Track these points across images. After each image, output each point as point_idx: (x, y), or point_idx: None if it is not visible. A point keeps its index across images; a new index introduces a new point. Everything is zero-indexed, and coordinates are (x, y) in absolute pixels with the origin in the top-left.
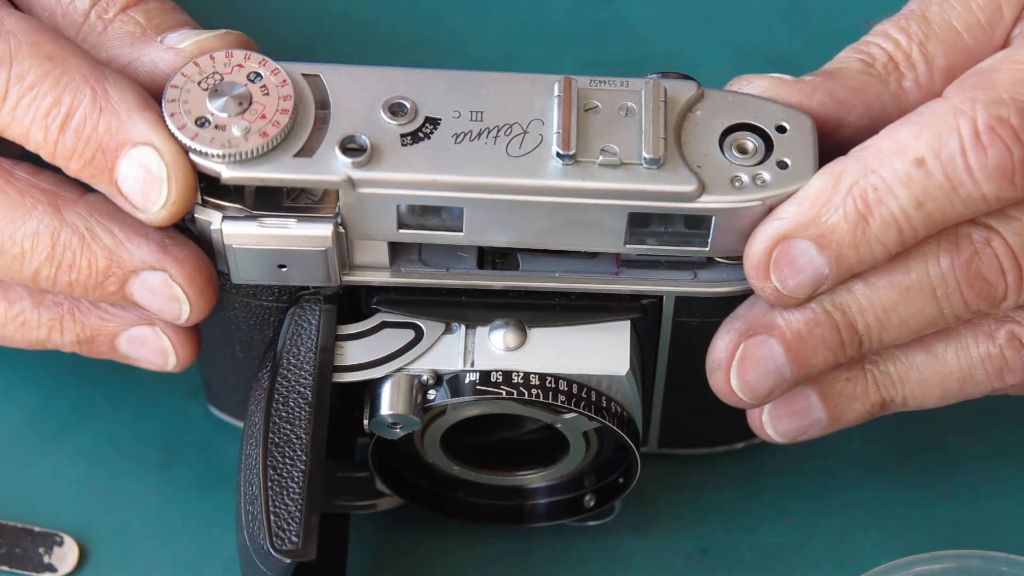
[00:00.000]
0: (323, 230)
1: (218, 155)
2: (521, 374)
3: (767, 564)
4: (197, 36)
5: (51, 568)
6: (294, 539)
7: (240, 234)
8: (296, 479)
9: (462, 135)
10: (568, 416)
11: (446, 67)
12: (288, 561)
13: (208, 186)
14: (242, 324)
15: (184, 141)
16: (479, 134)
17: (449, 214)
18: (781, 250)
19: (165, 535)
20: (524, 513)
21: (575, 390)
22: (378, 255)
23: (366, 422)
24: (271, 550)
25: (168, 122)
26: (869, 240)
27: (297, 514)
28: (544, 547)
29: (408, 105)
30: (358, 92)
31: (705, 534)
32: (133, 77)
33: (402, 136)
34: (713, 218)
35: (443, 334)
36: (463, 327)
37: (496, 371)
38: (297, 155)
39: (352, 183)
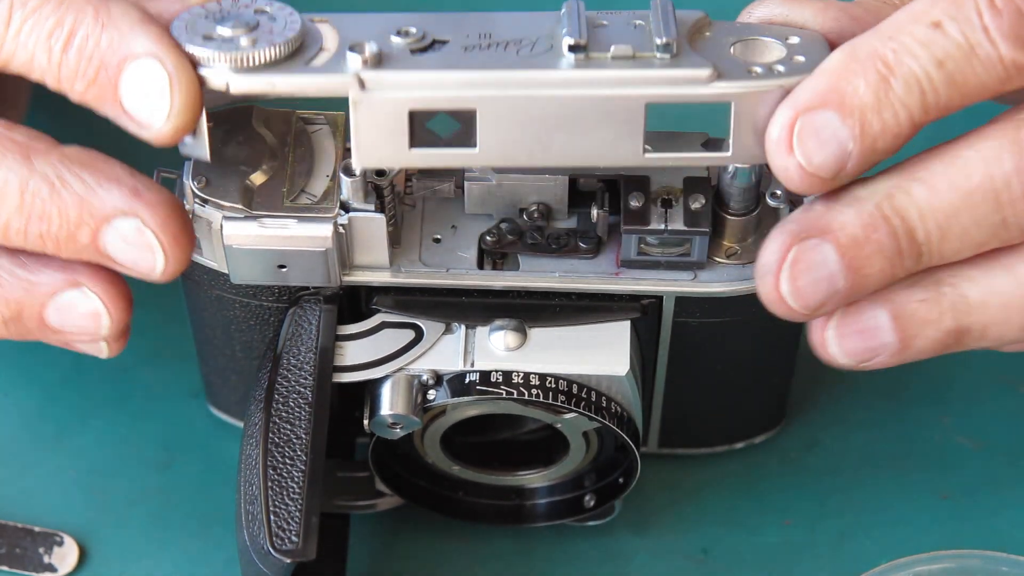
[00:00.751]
0: (323, 230)
1: (226, 60)
2: (521, 374)
3: (767, 564)
4: None
5: (51, 568)
6: (294, 539)
7: (240, 235)
8: (296, 479)
9: (472, 47)
10: (568, 416)
11: None
12: (288, 561)
13: (205, 185)
14: (242, 324)
15: (192, 52)
16: (488, 46)
17: (462, 128)
18: (804, 122)
19: (165, 535)
20: (524, 513)
21: (575, 390)
22: (378, 255)
23: (366, 422)
24: (271, 550)
25: (175, 38)
26: (893, 102)
27: (297, 514)
28: (544, 547)
29: (416, 30)
30: (366, 27)
31: (705, 534)
32: None
33: (412, 50)
34: (732, 107)
35: (443, 334)
36: (463, 327)
37: (496, 371)
38: (307, 63)
39: (361, 83)
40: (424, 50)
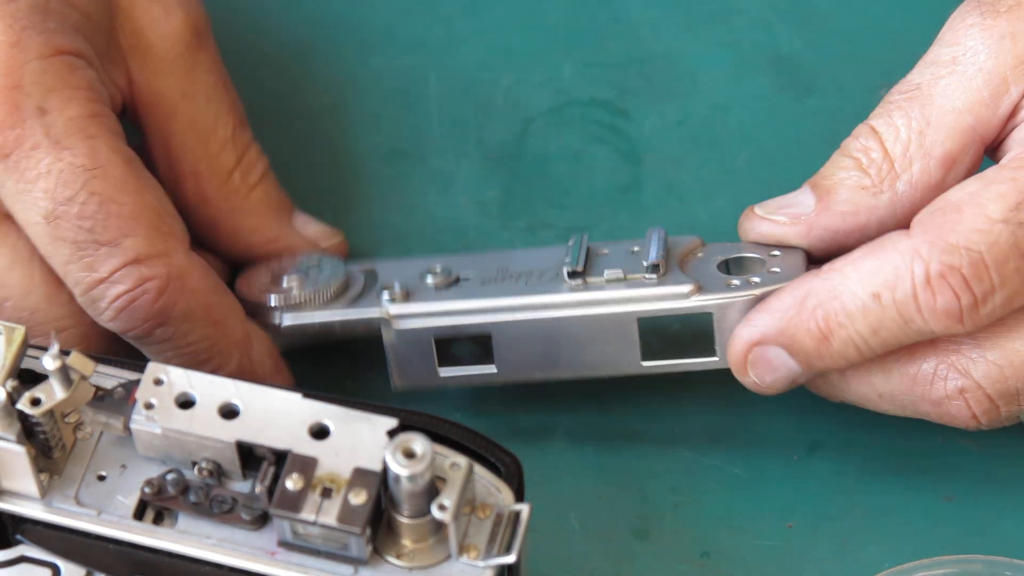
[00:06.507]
0: None
1: (279, 301)
2: None
3: (769, 568)
4: (313, 224)
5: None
6: None
7: None
8: None
9: (489, 281)
10: None
11: (443, 67)
12: None
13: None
14: None
15: (252, 298)
16: (503, 279)
17: (482, 350)
18: (756, 353)
19: None
20: None
21: None
22: (24, 485)
23: None
24: None
25: (238, 291)
26: (832, 353)
27: None
28: (544, 552)
29: (441, 268)
30: (404, 269)
31: (707, 537)
32: (274, 250)
33: (436, 286)
34: (713, 316)
35: None
36: None
37: None
38: (346, 306)
39: (389, 317)
40: (448, 285)
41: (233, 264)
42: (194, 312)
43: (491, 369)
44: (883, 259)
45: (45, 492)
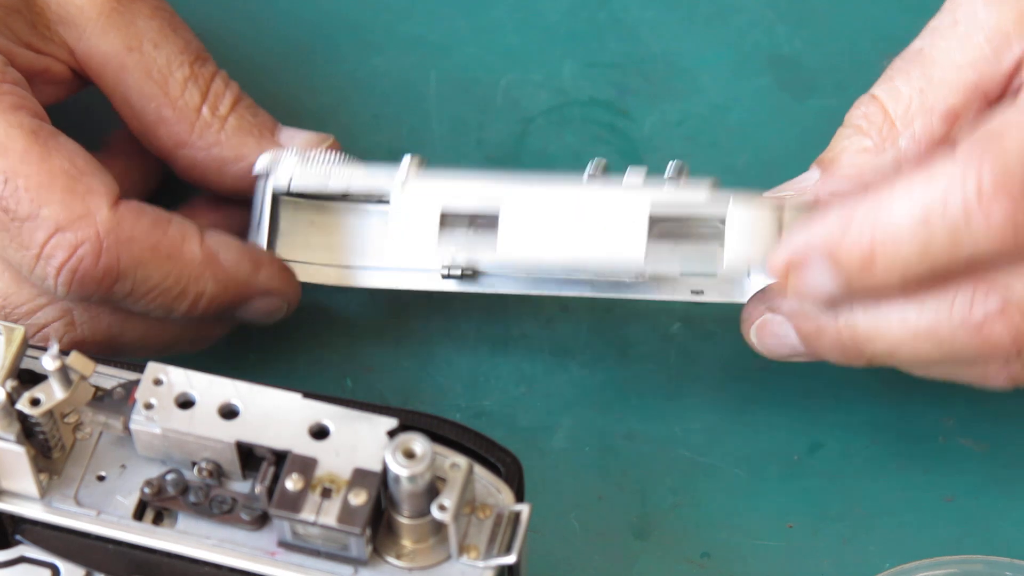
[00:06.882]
0: None
1: (293, 155)
2: None
3: (769, 568)
4: (302, 133)
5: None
6: None
7: None
8: None
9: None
10: None
11: (443, 67)
12: None
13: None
14: None
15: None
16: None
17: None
18: (797, 264)
19: None
20: None
21: None
22: (24, 485)
23: None
24: None
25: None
26: (875, 274)
27: None
28: (545, 553)
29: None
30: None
31: (707, 538)
32: None
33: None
34: (726, 223)
35: None
36: None
37: None
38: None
39: (401, 182)
40: None
41: (235, 197)
42: (142, 258)
43: (490, 253)
44: (931, 180)
45: (45, 492)
